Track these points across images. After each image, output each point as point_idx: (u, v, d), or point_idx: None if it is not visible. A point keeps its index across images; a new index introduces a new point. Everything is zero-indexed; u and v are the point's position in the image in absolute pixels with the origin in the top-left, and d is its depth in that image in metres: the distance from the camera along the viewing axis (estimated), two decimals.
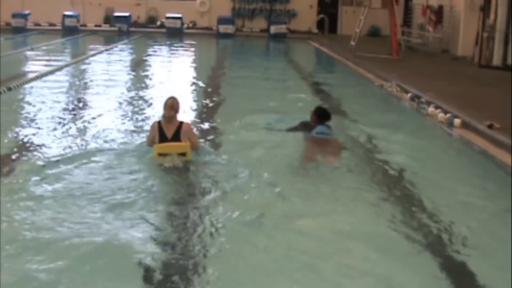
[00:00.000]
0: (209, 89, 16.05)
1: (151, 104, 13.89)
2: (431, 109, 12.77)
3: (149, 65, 22.66)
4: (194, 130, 9.73)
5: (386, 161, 9.34)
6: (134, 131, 10.74)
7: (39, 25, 34.33)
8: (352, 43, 24.05)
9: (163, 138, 8.50)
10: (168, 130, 8.53)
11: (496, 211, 7.41)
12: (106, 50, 25.28)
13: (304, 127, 10.08)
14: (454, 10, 25.09)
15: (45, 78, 16.51)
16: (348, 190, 7.93)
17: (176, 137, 8.51)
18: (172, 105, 8.57)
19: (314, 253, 6.08)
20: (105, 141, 9.83)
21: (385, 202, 7.56)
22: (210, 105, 13.83)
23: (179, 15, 34.08)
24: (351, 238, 6.44)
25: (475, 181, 8.71)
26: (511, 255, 5.98)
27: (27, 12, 33.77)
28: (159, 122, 8.67)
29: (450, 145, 10.85)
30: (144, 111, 13.02)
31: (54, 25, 34.14)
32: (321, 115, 9.91)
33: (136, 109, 13.21)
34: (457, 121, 11.56)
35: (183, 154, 8.41)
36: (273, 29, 33.93)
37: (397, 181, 8.48)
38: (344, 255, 6.07)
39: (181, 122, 8.67)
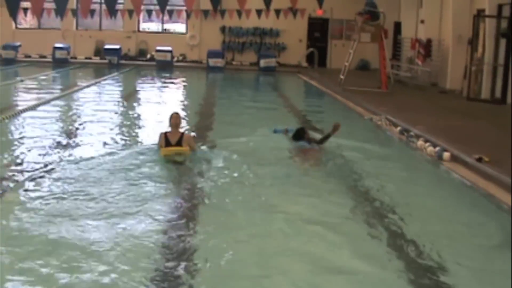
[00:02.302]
0: (199, 120, 16.14)
1: (142, 133, 14.24)
2: (420, 142, 12.80)
3: (140, 98, 22.69)
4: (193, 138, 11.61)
5: (374, 194, 9.38)
6: (125, 158, 10.97)
7: (29, 56, 34.41)
8: (342, 76, 24.14)
9: (168, 145, 10.57)
10: (172, 138, 10.61)
11: (487, 244, 7.40)
12: (97, 82, 25.27)
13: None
14: (443, 44, 25.34)
15: (35, 110, 16.46)
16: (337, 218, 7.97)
17: (179, 144, 10.57)
18: (176, 117, 10.83)
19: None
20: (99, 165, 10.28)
21: (374, 235, 7.56)
22: (199, 133, 13.87)
23: (169, 48, 34.21)
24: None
25: (464, 214, 8.70)
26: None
27: (17, 43, 33.83)
28: (165, 133, 10.79)
29: (439, 178, 10.84)
30: (135, 140, 13.23)
31: (45, 57, 34.23)
32: (295, 135, 12.06)
33: (126, 139, 13.36)
34: (446, 155, 11.58)
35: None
36: (262, 62, 34.05)
37: (385, 213, 8.47)
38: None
39: (183, 133, 10.93)
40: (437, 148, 11.99)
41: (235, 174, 10.06)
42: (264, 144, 12.45)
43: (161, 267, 6.32)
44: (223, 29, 36.46)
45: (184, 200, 8.74)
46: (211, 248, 6.86)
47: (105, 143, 12.47)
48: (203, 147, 11.83)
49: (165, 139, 10.64)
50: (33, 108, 16.68)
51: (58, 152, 11.50)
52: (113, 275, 6.04)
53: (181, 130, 11.21)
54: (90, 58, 35.48)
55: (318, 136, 12.66)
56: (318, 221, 7.95)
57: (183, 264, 6.40)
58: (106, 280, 5.95)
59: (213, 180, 9.69)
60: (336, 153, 12.07)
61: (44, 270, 6.08)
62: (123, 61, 34.12)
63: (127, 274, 6.08)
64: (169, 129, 10.96)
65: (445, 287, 6.16)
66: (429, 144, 12.44)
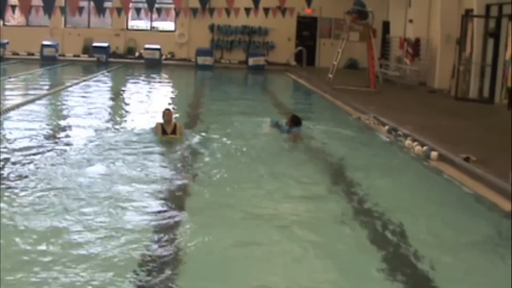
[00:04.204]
0: (187, 117, 16.17)
1: (131, 124, 14.41)
2: (408, 142, 12.82)
3: (128, 94, 22.69)
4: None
5: (361, 192, 9.45)
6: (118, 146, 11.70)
7: (17, 54, 34.25)
8: (330, 75, 24.14)
9: (164, 133, 12.41)
10: (167, 128, 12.44)
11: (471, 243, 7.44)
12: (85, 80, 25.16)
13: (280, 127, 13.80)
14: (431, 43, 25.43)
15: (23, 107, 16.39)
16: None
17: (173, 133, 12.42)
18: (168, 113, 12.60)
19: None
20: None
21: (358, 232, 7.62)
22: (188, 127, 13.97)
23: (158, 46, 34.13)
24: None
25: (450, 213, 8.73)
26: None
27: (5, 41, 33.65)
28: (161, 123, 12.52)
29: (426, 178, 10.87)
30: (123, 136, 13.13)
31: (33, 54, 34.07)
32: (295, 122, 13.56)
33: (117, 131, 13.53)
34: (434, 154, 11.61)
35: None
36: (251, 61, 34.01)
37: (370, 211, 8.50)
38: None
39: (176, 123, 12.65)
40: (425, 148, 12.02)
41: (223, 155, 11.58)
42: (252, 131, 13.99)
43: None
44: (212, 27, 36.40)
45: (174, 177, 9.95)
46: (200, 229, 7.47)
47: (95, 137, 12.79)
48: (193, 135, 13.26)
49: (162, 129, 12.45)
50: (20, 105, 16.61)
51: (47, 147, 11.54)
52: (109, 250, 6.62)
53: (174, 121, 12.86)
54: (78, 56, 35.35)
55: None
56: (303, 218, 8.08)
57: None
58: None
59: (201, 161, 11.27)
60: (323, 151, 12.13)
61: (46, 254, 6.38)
62: (111, 59, 34.01)
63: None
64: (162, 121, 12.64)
65: (429, 283, 6.21)
66: (417, 143, 12.48)
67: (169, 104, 19.16)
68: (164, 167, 10.57)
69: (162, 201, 8.47)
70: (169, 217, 7.75)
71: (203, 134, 13.41)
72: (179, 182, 9.61)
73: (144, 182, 9.36)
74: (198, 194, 9.04)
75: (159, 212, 7.98)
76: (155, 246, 6.76)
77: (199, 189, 9.31)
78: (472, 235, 7.76)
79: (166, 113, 12.60)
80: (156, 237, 7.03)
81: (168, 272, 6.11)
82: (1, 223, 7.17)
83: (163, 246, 6.77)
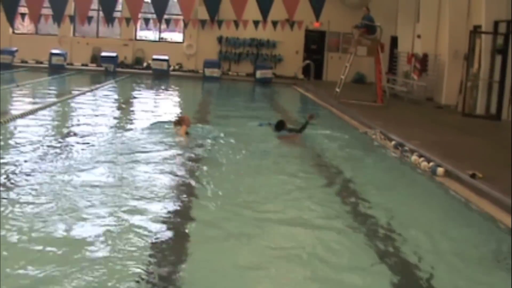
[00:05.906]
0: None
1: (138, 137, 14.16)
2: (414, 157, 12.78)
3: (136, 105, 22.71)
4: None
5: (366, 207, 9.39)
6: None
7: (26, 62, 34.40)
8: (337, 89, 24.15)
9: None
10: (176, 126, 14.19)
11: (475, 260, 7.39)
12: (92, 90, 25.24)
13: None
14: (439, 59, 25.40)
15: (30, 116, 16.41)
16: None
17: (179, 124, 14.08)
18: (182, 117, 14.56)
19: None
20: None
21: (362, 246, 7.57)
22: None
23: (166, 57, 34.25)
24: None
25: (455, 230, 8.67)
26: None
27: (14, 48, 33.83)
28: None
29: (432, 194, 10.84)
30: (129, 144, 13.15)
31: (41, 62, 34.22)
32: (276, 126, 14.79)
33: (121, 144, 13.33)
34: (440, 170, 11.57)
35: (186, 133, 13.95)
36: (259, 73, 34.07)
37: (376, 226, 8.46)
38: None
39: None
40: (431, 163, 11.98)
41: (226, 163, 11.79)
42: (257, 142, 14.29)
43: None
44: (220, 39, 36.51)
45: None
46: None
47: (101, 145, 12.84)
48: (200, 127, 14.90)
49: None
50: (28, 113, 16.62)
51: (54, 155, 11.54)
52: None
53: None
54: (86, 65, 35.49)
55: (297, 127, 15.15)
56: (303, 233, 8.05)
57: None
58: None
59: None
60: (328, 165, 12.11)
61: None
62: (119, 69, 34.16)
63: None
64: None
65: None
66: (423, 159, 12.43)
67: (175, 115, 19.24)
68: (169, 175, 10.54)
69: (166, 210, 8.48)
70: (172, 226, 7.80)
71: (208, 141, 13.65)
72: (182, 189, 9.69)
73: (148, 190, 9.36)
74: (201, 206, 8.98)
75: (161, 220, 8.02)
76: (158, 255, 6.76)
77: (202, 200, 9.26)
78: (477, 252, 7.71)
79: (181, 118, 14.50)
80: (158, 247, 7.03)
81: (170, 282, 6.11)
82: (11, 226, 7.22)
83: (166, 256, 6.76)
